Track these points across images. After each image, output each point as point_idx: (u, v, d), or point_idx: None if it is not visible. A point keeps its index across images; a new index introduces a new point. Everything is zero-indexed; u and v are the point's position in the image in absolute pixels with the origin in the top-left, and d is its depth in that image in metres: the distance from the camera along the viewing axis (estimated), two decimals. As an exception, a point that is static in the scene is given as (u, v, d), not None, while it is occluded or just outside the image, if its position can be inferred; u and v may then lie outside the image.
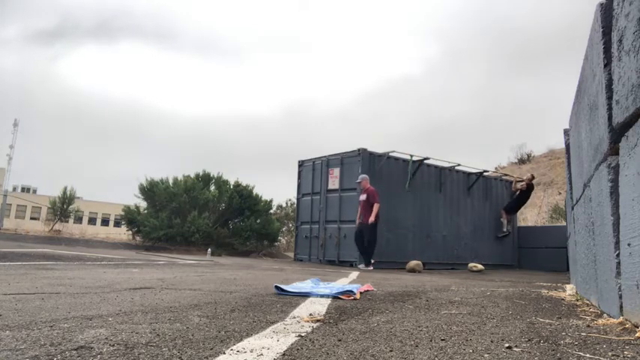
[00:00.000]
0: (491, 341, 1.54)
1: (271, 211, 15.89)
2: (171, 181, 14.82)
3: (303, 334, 1.54)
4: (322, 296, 2.70)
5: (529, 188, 11.82)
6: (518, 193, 12.03)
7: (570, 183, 4.19)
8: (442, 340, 1.55)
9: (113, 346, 1.27)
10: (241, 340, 1.43)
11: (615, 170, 1.81)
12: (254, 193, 15.06)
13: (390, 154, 9.88)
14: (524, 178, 12.47)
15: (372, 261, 8.63)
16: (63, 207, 16.28)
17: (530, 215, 17.68)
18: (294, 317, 1.92)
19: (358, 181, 8.99)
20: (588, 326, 1.92)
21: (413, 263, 8.28)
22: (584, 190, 2.83)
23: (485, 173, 11.93)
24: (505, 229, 11.76)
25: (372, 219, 8.54)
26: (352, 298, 2.69)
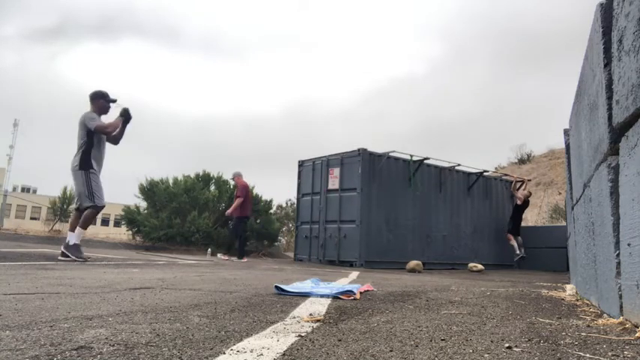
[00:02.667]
0: (491, 341, 1.54)
1: (271, 211, 15.88)
2: (171, 181, 14.81)
3: (303, 334, 1.54)
4: (322, 296, 2.70)
5: (525, 203, 11.66)
6: (513, 207, 11.79)
7: (570, 183, 4.19)
8: (442, 340, 1.55)
9: (113, 346, 1.27)
10: (241, 340, 1.43)
11: (615, 170, 1.81)
12: (254, 193, 15.05)
13: (390, 154, 9.89)
14: (525, 180, 12.43)
15: (245, 259, 9.06)
16: (63, 207, 16.26)
17: (530, 215, 17.68)
18: (294, 317, 1.92)
19: (231, 177, 9.96)
20: (588, 326, 1.92)
21: (413, 263, 8.28)
22: (584, 190, 2.83)
23: (485, 173, 11.93)
24: (518, 252, 11.21)
25: (229, 211, 9.35)
26: (352, 298, 2.69)
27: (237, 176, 9.77)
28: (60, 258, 5.08)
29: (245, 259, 8.94)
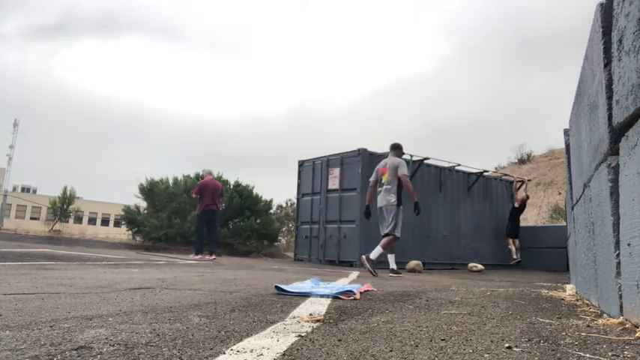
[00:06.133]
0: (491, 341, 1.54)
1: (271, 211, 15.88)
2: (171, 181, 14.81)
3: (303, 334, 1.54)
4: (322, 296, 2.70)
5: (522, 206, 11.67)
6: (510, 210, 11.77)
7: (570, 183, 4.19)
8: (442, 340, 1.55)
9: (113, 346, 1.27)
10: (241, 340, 1.43)
11: (615, 170, 1.81)
12: (254, 193, 15.04)
13: (390, 154, 9.88)
14: (525, 180, 12.40)
15: (199, 255, 9.07)
16: (63, 207, 16.26)
17: (530, 215, 17.68)
18: (294, 317, 1.92)
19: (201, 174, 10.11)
20: (588, 326, 1.92)
21: (413, 263, 8.29)
22: (584, 190, 2.83)
23: (485, 173, 11.92)
24: (515, 256, 11.32)
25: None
26: (352, 298, 2.69)
27: (204, 174, 10.02)
28: (365, 262, 5.99)
29: (199, 256, 8.94)
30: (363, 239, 9.31)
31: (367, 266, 5.85)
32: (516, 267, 11.28)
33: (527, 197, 12.07)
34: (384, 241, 6.25)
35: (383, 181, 6.41)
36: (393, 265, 6.28)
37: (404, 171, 6.30)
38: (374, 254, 6.06)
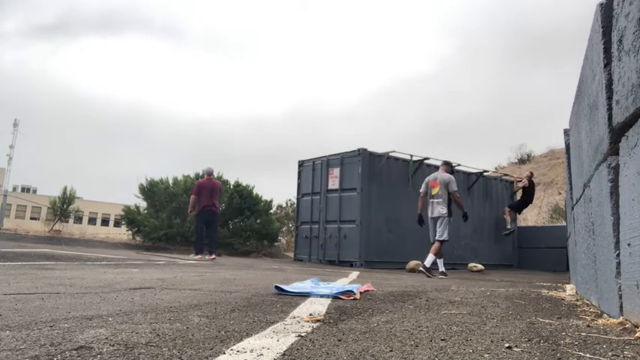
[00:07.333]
0: (491, 341, 1.54)
1: (271, 211, 15.86)
2: (171, 181, 14.81)
3: (303, 334, 1.54)
4: (322, 296, 2.70)
5: (531, 185, 11.72)
6: (521, 192, 11.92)
7: (570, 183, 4.19)
8: (442, 340, 1.55)
9: (113, 346, 1.27)
10: (241, 340, 1.43)
11: (615, 170, 1.81)
12: (254, 193, 15.04)
13: (390, 154, 9.88)
14: (524, 176, 12.44)
15: (199, 255, 9.06)
16: (63, 207, 16.25)
17: (530, 215, 17.66)
18: (294, 317, 1.92)
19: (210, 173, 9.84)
20: (588, 326, 1.92)
21: (413, 263, 8.28)
22: (584, 190, 2.83)
23: (485, 173, 11.92)
24: (509, 226, 11.49)
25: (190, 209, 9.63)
26: (352, 298, 2.69)
27: (204, 174, 9.94)
28: (421, 269, 6.62)
29: (199, 256, 8.95)
30: (363, 239, 9.31)
31: (426, 274, 6.37)
32: (506, 237, 11.42)
33: (531, 174, 12.15)
34: (434, 247, 6.82)
35: (433, 194, 7.01)
36: (442, 268, 6.81)
37: (454, 187, 6.97)
38: (428, 262, 6.63)
